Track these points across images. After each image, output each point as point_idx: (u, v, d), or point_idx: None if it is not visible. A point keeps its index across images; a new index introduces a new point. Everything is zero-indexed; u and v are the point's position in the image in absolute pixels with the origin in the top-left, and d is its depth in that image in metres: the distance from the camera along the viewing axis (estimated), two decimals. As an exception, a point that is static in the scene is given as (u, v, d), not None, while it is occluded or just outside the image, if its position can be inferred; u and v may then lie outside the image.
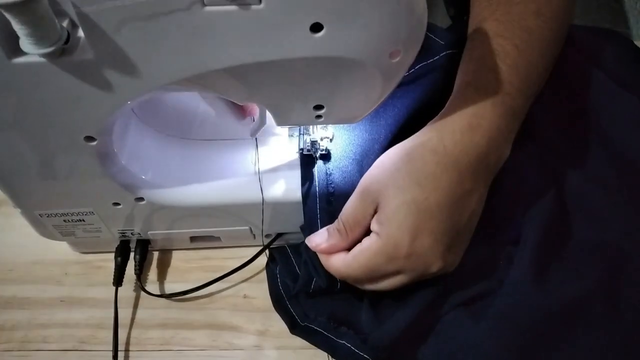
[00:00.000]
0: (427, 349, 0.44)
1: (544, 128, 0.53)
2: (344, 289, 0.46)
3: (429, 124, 0.42)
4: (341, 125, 0.48)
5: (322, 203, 0.45)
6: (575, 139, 0.53)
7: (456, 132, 0.40)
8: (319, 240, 0.44)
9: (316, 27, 0.31)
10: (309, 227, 0.45)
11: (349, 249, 0.42)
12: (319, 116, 0.39)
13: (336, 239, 0.42)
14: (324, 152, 0.47)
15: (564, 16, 0.46)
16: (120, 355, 0.49)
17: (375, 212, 0.41)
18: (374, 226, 0.41)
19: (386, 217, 0.40)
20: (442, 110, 0.42)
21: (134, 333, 0.50)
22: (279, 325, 0.50)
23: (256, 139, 0.48)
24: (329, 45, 0.33)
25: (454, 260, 0.42)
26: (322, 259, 0.44)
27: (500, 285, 0.44)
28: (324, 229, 0.44)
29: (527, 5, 0.45)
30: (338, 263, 0.42)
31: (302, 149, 0.47)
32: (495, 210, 0.47)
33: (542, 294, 0.43)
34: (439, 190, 0.39)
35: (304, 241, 0.46)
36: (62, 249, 0.55)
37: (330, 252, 0.43)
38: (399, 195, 0.40)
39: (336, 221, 0.43)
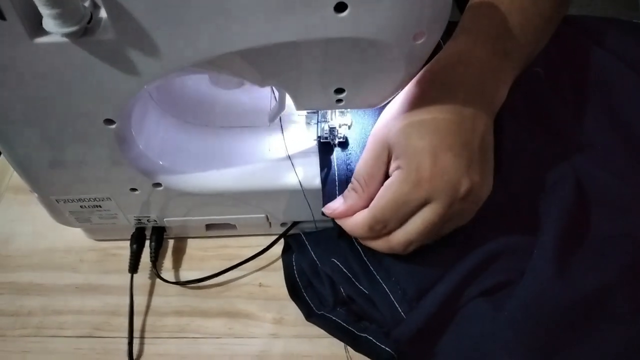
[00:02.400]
0: (447, 340, 0.43)
1: (560, 116, 0.53)
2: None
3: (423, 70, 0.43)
4: (360, 112, 0.47)
5: (342, 188, 0.45)
6: (591, 127, 0.53)
7: (447, 67, 0.42)
8: (335, 204, 0.43)
9: (340, 7, 0.31)
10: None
11: (367, 207, 0.41)
12: (339, 100, 0.39)
13: (353, 199, 0.42)
14: (342, 139, 0.47)
15: None
16: (136, 342, 0.49)
17: (389, 159, 0.41)
18: (392, 165, 0.40)
19: (402, 148, 0.40)
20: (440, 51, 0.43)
21: (149, 320, 0.50)
22: (295, 314, 0.49)
23: (281, 123, 0.48)
24: (353, 26, 0.32)
25: (481, 181, 0.40)
26: (343, 223, 0.43)
27: (521, 275, 0.43)
28: (339, 196, 0.44)
29: None
30: (361, 215, 0.41)
31: (319, 137, 0.47)
32: (514, 199, 0.47)
33: (564, 285, 0.43)
34: (443, 110, 0.40)
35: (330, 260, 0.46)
36: (77, 236, 0.55)
37: (349, 214, 0.42)
38: (407, 125, 0.40)
39: (351, 182, 0.43)
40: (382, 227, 0.41)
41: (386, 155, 0.41)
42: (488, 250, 0.45)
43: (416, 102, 0.40)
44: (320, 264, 0.48)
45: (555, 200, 0.47)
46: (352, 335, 0.46)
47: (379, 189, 0.41)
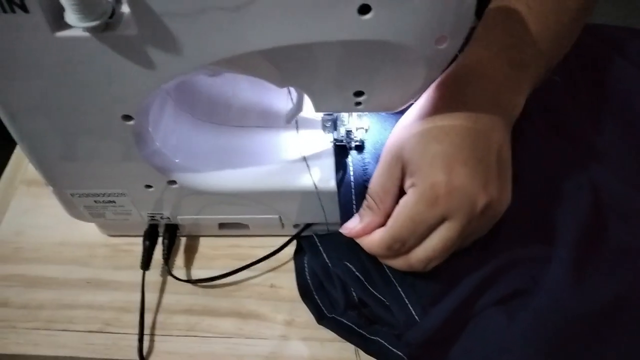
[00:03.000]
0: (460, 347, 0.43)
1: (577, 125, 0.53)
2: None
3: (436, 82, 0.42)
4: (376, 115, 0.47)
5: (358, 191, 0.45)
6: (607, 137, 0.53)
7: (461, 78, 0.41)
8: (352, 224, 0.43)
9: (364, 9, 0.31)
10: (345, 217, 0.45)
11: (384, 225, 0.41)
12: (358, 103, 0.39)
13: (369, 216, 0.41)
14: (358, 142, 0.46)
15: None
16: (146, 339, 0.49)
17: (403, 175, 0.40)
18: (407, 183, 0.40)
19: (416, 165, 0.39)
20: (451, 72, 0.42)
21: (159, 318, 0.50)
22: (306, 316, 0.49)
23: (297, 124, 0.48)
24: (376, 28, 0.32)
25: (499, 195, 0.39)
26: (362, 242, 0.42)
27: (536, 284, 0.43)
28: (355, 215, 0.43)
29: None
30: (379, 234, 0.41)
31: (335, 139, 0.47)
32: (530, 207, 0.46)
33: (580, 296, 0.42)
34: (457, 127, 0.39)
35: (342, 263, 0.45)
36: (89, 230, 0.55)
37: (366, 232, 0.42)
38: (420, 140, 0.39)
39: (364, 200, 0.42)
40: (401, 245, 0.40)
41: (400, 170, 0.40)
42: (503, 258, 0.44)
43: (429, 116, 0.40)
44: (332, 267, 0.48)
45: (571, 210, 0.46)
46: (364, 338, 0.46)
47: (394, 204, 0.40)
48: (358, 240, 0.43)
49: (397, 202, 0.40)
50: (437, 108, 0.40)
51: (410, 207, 0.39)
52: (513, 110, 0.42)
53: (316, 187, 0.46)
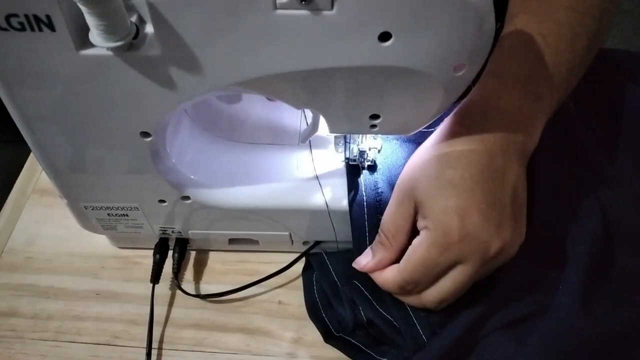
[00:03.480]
0: None
1: (589, 150, 0.53)
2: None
3: (449, 116, 0.42)
4: (391, 136, 0.47)
5: (371, 212, 0.45)
6: (619, 163, 0.53)
7: (475, 114, 0.40)
8: (364, 260, 0.43)
9: (385, 36, 0.31)
10: (357, 237, 0.45)
11: (397, 260, 0.41)
12: (373, 125, 0.39)
13: (382, 253, 0.42)
14: (370, 163, 0.47)
15: (600, 15, 0.46)
16: (153, 353, 0.49)
17: (416, 212, 0.40)
18: (420, 224, 0.40)
19: (429, 208, 0.39)
20: (464, 107, 0.42)
21: (167, 332, 0.50)
22: (313, 334, 0.49)
23: (310, 143, 0.48)
24: (396, 55, 0.32)
25: (513, 238, 0.39)
26: (375, 277, 0.43)
27: (545, 309, 0.43)
28: (367, 249, 0.43)
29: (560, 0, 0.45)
30: (391, 272, 0.41)
31: (348, 159, 0.47)
32: (540, 232, 0.46)
33: (589, 321, 0.42)
34: (471, 166, 0.38)
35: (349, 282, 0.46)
36: (100, 242, 0.55)
37: (379, 268, 0.42)
38: (433, 182, 0.39)
39: (377, 235, 0.43)
40: (413, 287, 0.41)
41: (412, 208, 0.40)
42: (512, 282, 0.44)
43: (443, 154, 0.39)
44: (341, 285, 0.48)
45: (581, 235, 0.46)
46: (371, 358, 0.46)
47: (407, 240, 0.41)
48: (371, 275, 0.43)
49: (409, 238, 0.41)
50: (450, 146, 0.39)
51: (422, 251, 0.39)
52: (528, 146, 0.41)
53: (327, 206, 0.46)
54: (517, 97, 0.41)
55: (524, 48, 0.43)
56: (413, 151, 0.46)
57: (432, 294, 0.41)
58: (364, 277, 0.47)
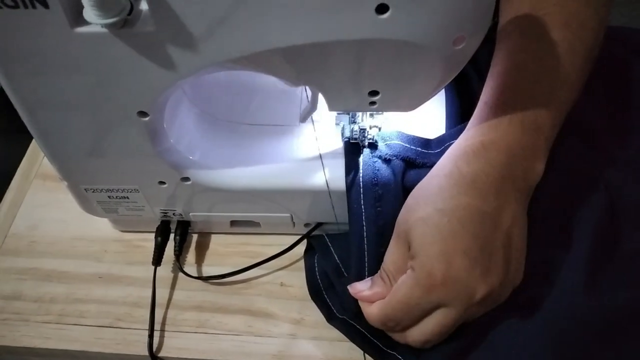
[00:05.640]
0: (473, 355, 0.42)
1: (594, 128, 0.52)
2: None
3: (445, 153, 0.41)
4: (390, 114, 0.47)
5: (367, 194, 0.44)
6: (625, 140, 0.52)
7: (469, 154, 0.39)
8: (361, 287, 0.42)
9: (382, 8, 0.31)
10: (353, 218, 0.44)
11: None
12: (373, 102, 0.39)
13: (380, 287, 0.41)
14: (371, 140, 0.46)
15: (597, 24, 0.44)
16: (156, 334, 0.49)
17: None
18: (409, 263, 0.39)
19: (415, 250, 0.38)
20: (458, 152, 0.41)
21: (170, 314, 0.51)
22: (315, 315, 0.49)
23: (313, 123, 0.48)
24: (393, 28, 0.32)
25: (502, 282, 0.38)
26: (363, 307, 0.42)
27: (550, 289, 0.43)
28: (369, 278, 0.43)
29: (554, 16, 0.43)
30: (376, 306, 0.40)
31: (348, 138, 0.47)
32: (545, 211, 0.46)
33: (594, 300, 0.42)
34: (459, 210, 0.37)
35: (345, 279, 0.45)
36: (102, 226, 0.55)
37: (372, 300, 0.41)
38: (421, 225, 0.38)
39: (380, 270, 0.42)
40: (395, 324, 0.40)
41: (407, 249, 0.39)
42: None
43: (432, 197, 0.39)
44: (345, 269, 0.48)
45: (586, 214, 0.46)
46: (377, 349, 0.45)
47: None
48: (360, 304, 0.42)
49: None
50: (443, 188, 0.39)
51: (405, 290, 0.38)
52: (529, 181, 0.40)
53: (328, 187, 0.46)
54: (516, 130, 0.39)
55: (519, 75, 0.41)
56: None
57: (416, 334, 0.40)
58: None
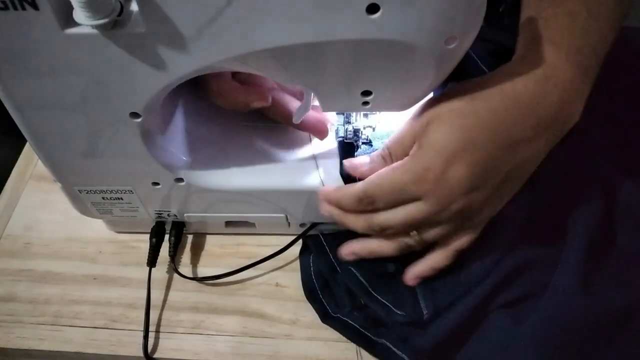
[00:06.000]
0: (466, 352, 0.42)
1: (592, 128, 0.52)
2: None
3: (497, 70, 0.39)
4: (386, 114, 0.47)
5: None
6: (626, 145, 0.52)
7: (530, 79, 0.38)
8: (358, 162, 0.42)
9: (373, 8, 0.31)
10: None
11: None
12: (365, 102, 0.39)
13: (379, 165, 0.41)
14: (365, 140, 0.46)
15: None
16: (151, 335, 0.49)
17: None
18: (412, 149, 0.39)
19: (427, 140, 0.38)
20: (513, 60, 0.39)
21: (165, 315, 0.50)
22: (310, 316, 0.49)
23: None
24: (384, 28, 0.32)
25: (482, 206, 0.39)
26: (337, 192, 0.42)
27: (545, 288, 0.43)
28: (365, 155, 0.43)
29: None
30: (355, 186, 0.40)
31: (343, 137, 0.47)
32: (541, 211, 0.46)
33: (588, 301, 0.42)
34: (495, 127, 0.37)
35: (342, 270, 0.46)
36: (97, 227, 0.55)
37: (369, 174, 0.41)
38: (451, 118, 0.37)
39: (381, 148, 0.42)
40: (368, 203, 0.40)
41: (421, 133, 0.39)
42: (513, 263, 0.44)
43: (476, 103, 0.37)
44: (338, 266, 0.48)
45: (582, 215, 0.45)
46: (368, 340, 0.46)
47: None
48: (332, 190, 0.42)
49: None
50: (488, 99, 0.37)
51: (397, 172, 0.39)
52: (566, 123, 0.39)
53: (323, 185, 0.46)
54: (571, 69, 0.38)
55: (573, 22, 0.40)
56: None
57: (382, 218, 0.40)
58: (359, 264, 0.47)
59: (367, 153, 0.45)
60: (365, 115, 0.46)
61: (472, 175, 0.37)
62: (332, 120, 0.48)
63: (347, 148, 0.46)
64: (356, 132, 0.46)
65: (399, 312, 0.44)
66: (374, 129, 0.46)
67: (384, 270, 0.45)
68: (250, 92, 0.44)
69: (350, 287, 0.47)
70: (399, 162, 0.39)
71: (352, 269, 0.46)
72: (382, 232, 0.41)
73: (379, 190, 0.39)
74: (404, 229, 0.40)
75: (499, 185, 0.39)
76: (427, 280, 0.44)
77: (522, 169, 0.39)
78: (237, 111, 0.46)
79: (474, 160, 0.37)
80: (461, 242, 0.42)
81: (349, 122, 0.47)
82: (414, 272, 0.43)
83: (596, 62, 0.40)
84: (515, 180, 0.40)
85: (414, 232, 0.41)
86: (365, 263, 0.46)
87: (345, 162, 0.43)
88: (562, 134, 0.40)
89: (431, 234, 0.41)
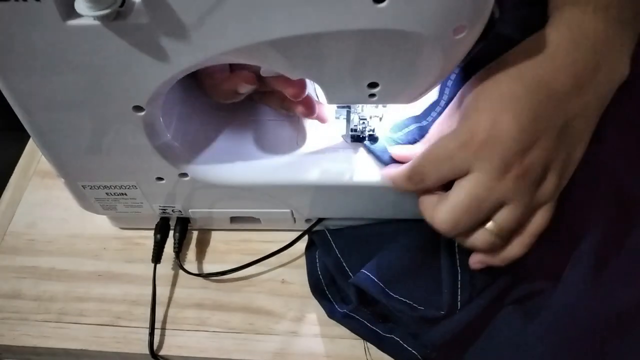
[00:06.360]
0: (476, 348, 0.42)
1: (604, 122, 0.51)
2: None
3: (525, 41, 0.38)
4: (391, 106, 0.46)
5: None
6: (636, 136, 0.51)
7: (560, 46, 0.36)
8: (404, 151, 0.42)
9: (380, -3, 0.30)
10: None
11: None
12: (372, 95, 0.38)
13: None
14: (371, 132, 0.45)
15: None
16: (156, 332, 0.49)
17: None
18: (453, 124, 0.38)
19: (465, 107, 0.36)
20: (541, 31, 0.38)
21: (170, 312, 0.50)
22: (316, 312, 0.49)
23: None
24: (391, 17, 0.31)
25: (543, 169, 0.36)
26: (389, 172, 0.41)
27: (555, 285, 0.42)
28: (410, 146, 0.42)
29: None
30: (405, 165, 0.39)
31: (351, 129, 0.46)
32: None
33: (598, 298, 0.41)
34: (531, 80, 0.35)
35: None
36: (101, 223, 0.55)
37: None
38: (489, 85, 0.36)
39: (425, 137, 0.41)
40: (419, 180, 0.38)
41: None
42: (524, 262, 0.43)
43: (511, 69, 0.36)
44: (346, 264, 0.47)
45: (594, 209, 0.45)
46: (377, 336, 0.45)
47: None
48: (385, 170, 0.42)
49: None
50: (525, 68, 0.36)
51: (442, 142, 0.37)
52: (612, 77, 0.37)
53: (327, 182, 0.45)
54: (604, 25, 0.36)
55: None
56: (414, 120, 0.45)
57: (444, 209, 0.37)
58: (365, 250, 0.46)
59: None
60: (372, 106, 0.45)
61: (520, 126, 0.35)
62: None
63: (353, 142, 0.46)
64: (363, 122, 0.45)
65: (420, 308, 0.43)
66: (380, 119, 0.45)
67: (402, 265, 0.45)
68: (233, 77, 0.43)
69: (363, 289, 0.46)
70: (443, 135, 0.37)
71: (366, 272, 0.45)
72: (456, 226, 0.37)
73: (426, 163, 0.37)
74: (464, 213, 0.37)
75: (556, 145, 0.36)
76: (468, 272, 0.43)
77: (578, 126, 0.37)
78: (234, 101, 0.45)
79: (518, 111, 0.35)
80: (537, 224, 0.38)
81: (356, 112, 0.46)
82: (484, 260, 0.40)
83: (633, 18, 0.38)
84: (573, 138, 0.37)
85: (490, 223, 0.38)
86: (370, 251, 0.46)
87: (392, 149, 0.42)
88: (611, 87, 0.38)
89: (506, 217, 0.37)
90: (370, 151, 0.45)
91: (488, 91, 0.36)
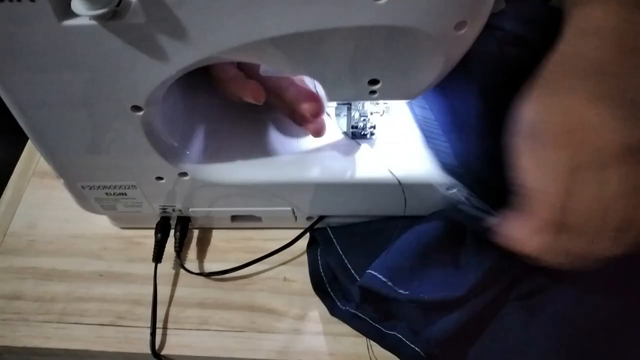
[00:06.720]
0: (479, 345, 0.42)
1: None
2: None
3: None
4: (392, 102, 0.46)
5: None
6: None
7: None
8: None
9: (379, -7, 0.30)
10: None
11: None
12: (373, 92, 0.38)
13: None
14: (372, 128, 0.45)
15: None
16: (158, 332, 0.48)
17: None
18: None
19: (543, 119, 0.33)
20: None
21: (172, 311, 0.50)
22: (319, 310, 0.48)
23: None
24: (392, 13, 0.31)
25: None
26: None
27: (559, 280, 0.42)
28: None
29: None
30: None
31: (353, 125, 0.45)
32: None
33: (603, 294, 0.41)
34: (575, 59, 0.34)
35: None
36: (102, 223, 0.55)
37: None
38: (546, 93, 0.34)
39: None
40: (561, 215, 0.33)
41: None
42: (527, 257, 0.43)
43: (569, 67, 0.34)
44: (348, 261, 0.47)
45: None
46: (380, 333, 0.45)
47: None
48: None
49: None
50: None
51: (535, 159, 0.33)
52: None
53: (328, 180, 0.45)
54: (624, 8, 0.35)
55: None
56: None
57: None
58: (370, 249, 0.46)
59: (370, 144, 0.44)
60: (373, 102, 0.45)
61: (604, 103, 0.32)
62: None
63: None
64: (363, 118, 0.45)
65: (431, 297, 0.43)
66: (381, 115, 0.45)
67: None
68: (243, 87, 0.42)
69: (370, 289, 0.45)
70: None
71: (373, 272, 0.45)
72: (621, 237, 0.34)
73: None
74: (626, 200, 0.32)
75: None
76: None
77: None
78: (238, 101, 0.45)
79: (590, 94, 0.32)
80: None
81: (357, 109, 0.45)
82: None
83: None
84: None
85: None
86: (372, 247, 0.46)
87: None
88: None
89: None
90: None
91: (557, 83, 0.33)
